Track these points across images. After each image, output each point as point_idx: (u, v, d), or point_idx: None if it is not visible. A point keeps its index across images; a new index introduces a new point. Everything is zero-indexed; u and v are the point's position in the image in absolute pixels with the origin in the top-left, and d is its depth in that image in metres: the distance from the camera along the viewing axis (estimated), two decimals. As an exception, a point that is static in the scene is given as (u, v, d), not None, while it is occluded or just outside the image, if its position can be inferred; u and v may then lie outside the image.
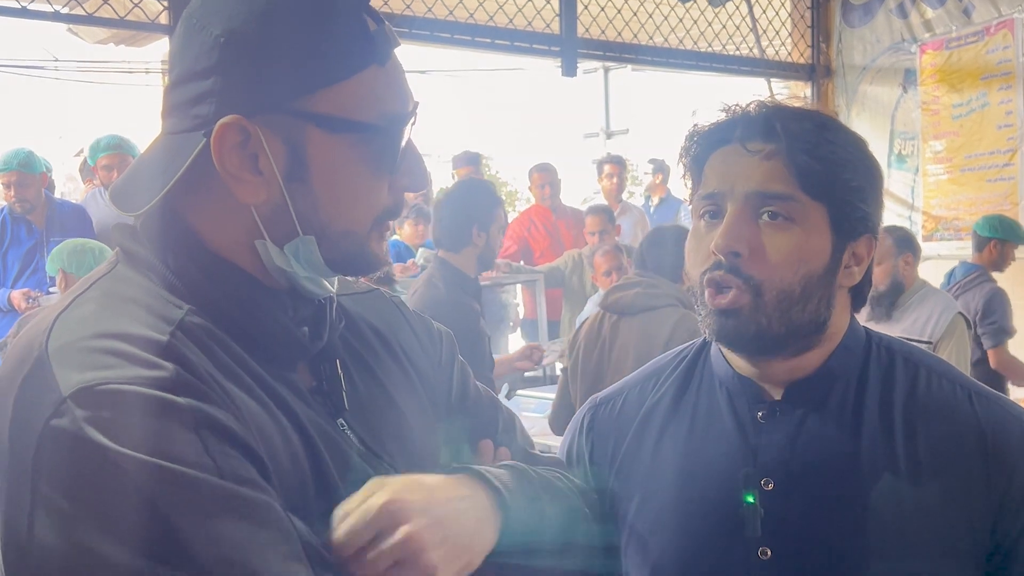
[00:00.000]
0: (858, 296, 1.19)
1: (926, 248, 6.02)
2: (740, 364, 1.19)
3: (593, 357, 3.32)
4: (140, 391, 0.79)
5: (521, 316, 6.45)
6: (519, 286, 6.05)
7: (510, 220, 6.61)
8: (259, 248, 0.93)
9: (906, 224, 6.09)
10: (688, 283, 1.18)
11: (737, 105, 1.15)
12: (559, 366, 4.06)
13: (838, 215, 1.12)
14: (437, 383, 1.14)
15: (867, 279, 1.18)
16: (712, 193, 1.14)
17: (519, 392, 4.59)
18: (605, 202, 6.56)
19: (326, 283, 0.98)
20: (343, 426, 0.98)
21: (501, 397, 3.83)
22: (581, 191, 9.35)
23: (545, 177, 6.30)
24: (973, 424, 1.11)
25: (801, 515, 1.11)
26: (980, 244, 4.85)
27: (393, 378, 1.07)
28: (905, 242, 4.06)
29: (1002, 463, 1.09)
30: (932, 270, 5.93)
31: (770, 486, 1.13)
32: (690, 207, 1.20)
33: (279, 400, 0.91)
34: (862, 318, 1.19)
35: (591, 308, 3.62)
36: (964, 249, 5.83)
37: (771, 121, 1.12)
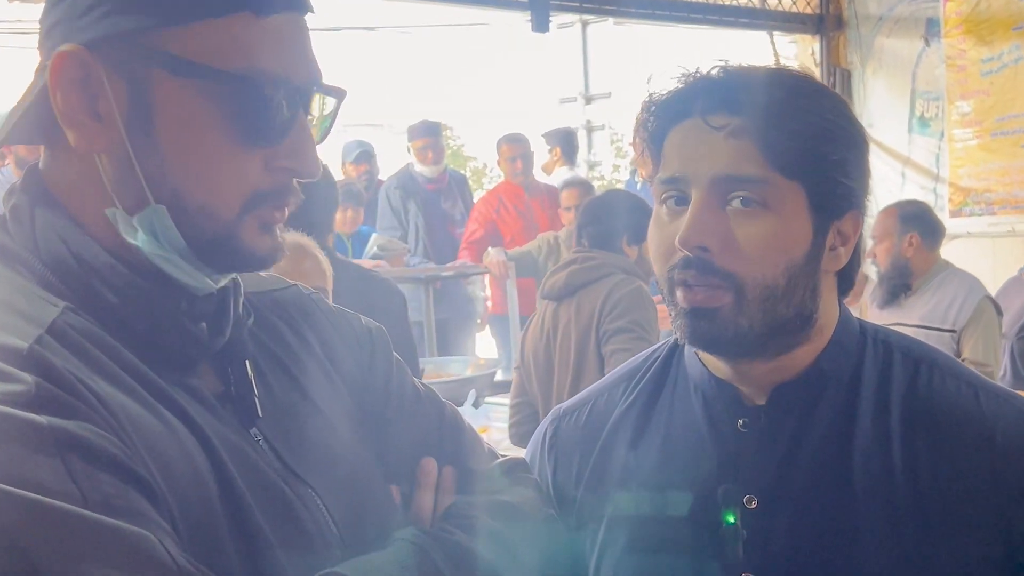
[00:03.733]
0: (845, 279, 1.22)
1: (953, 225, 6.06)
2: (717, 366, 1.21)
3: (541, 354, 3.41)
4: None
5: (489, 311, 6.41)
6: (487, 276, 6.01)
7: (476, 199, 6.61)
8: (110, 218, 0.93)
9: (930, 198, 6.11)
10: (656, 277, 1.20)
11: (696, 70, 1.15)
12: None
13: (817, 194, 1.13)
14: (367, 386, 1.15)
15: (854, 260, 1.20)
16: (674, 177, 1.14)
17: (488, 399, 4.55)
18: (581, 175, 6.57)
19: (196, 272, 0.95)
20: (257, 437, 0.98)
21: (467, 405, 3.82)
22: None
23: (515, 149, 6.28)
24: (979, 424, 1.13)
25: (787, 536, 1.13)
26: None
27: (315, 382, 1.08)
28: (912, 220, 4.10)
29: (1012, 466, 1.11)
30: (961, 250, 5.96)
31: (753, 504, 1.15)
32: (652, 191, 1.21)
33: (176, 409, 0.91)
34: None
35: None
36: (997, 226, 5.88)
37: (736, 90, 1.12)
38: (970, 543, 1.10)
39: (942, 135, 6.10)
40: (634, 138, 1.21)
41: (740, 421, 1.19)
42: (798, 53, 6.71)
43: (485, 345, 6.85)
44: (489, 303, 6.44)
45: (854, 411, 1.16)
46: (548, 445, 1.34)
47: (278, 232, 0.97)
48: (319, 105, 0.98)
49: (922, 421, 1.14)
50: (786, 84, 1.14)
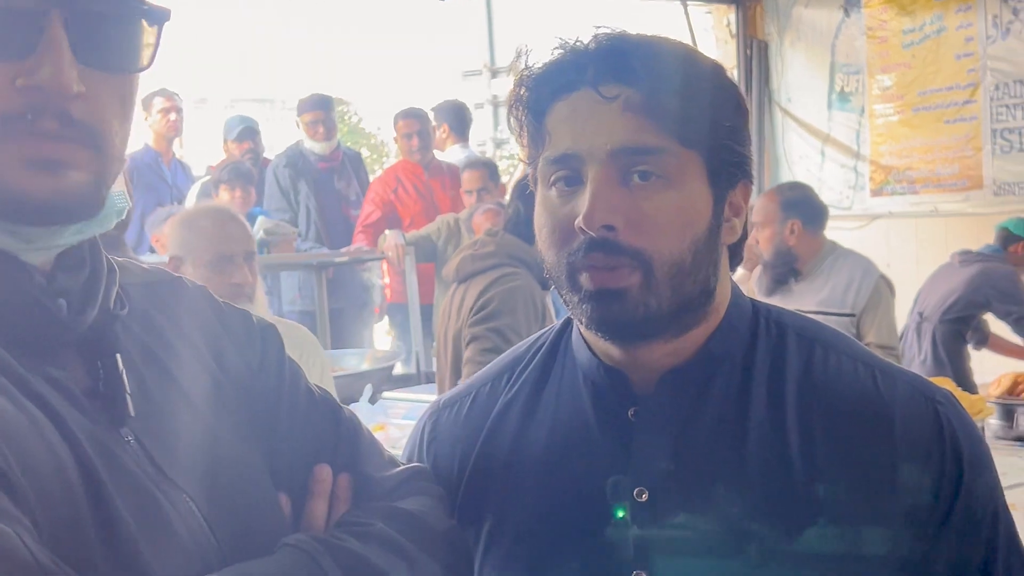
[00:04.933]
0: (735, 254, 1.24)
1: (875, 204, 6.18)
2: (607, 352, 1.21)
3: (440, 340, 3.54)
4: None
5: (387, 299, 6.37)
6: (384, 262, 5.97)
7: (372, 179, 6.55)
8: None
9: (851, 176, 6.22)
10: (547, 267, 1.19)
11: (576, 40, 1.15)
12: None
13: (715, 163, 1.15)
14: (256, 387, 1.14)
15: (744, 232, 1.23)
16: (565, 155, 1.14)
17: (385, 395, 4.51)
18: (487, 156, 6.54)
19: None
20: (127, 437, 0.96)
21: (363, 401, 3.78)
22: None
23: (412, 125, 6.24)
24: (878, 406, 1.16)
25: (680, 529, 1.14)
26: (1007, 241, 5.12)
27: (196, 380, 1.06)
28: (794, 206, 4.20)
29: (913, 448, 1.14)
30: (883, 230, 6.08)
31: (644, 497, 1.16)
32: (532, 173, 1.20)
33: (40, 402, 0.89)
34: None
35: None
36: (919, 205, 6.01)
37: (628, 57, 1.12)
38: (870, 530, 1.12)
39: (862, 110, 6.21)
40: (509, 117, 1.20)
41: (630, 410, 1.19)
42: (713, 24, 6.77)
43: (382, 336, 6.81)
44: (387, 291, 6.39)
45: (747, 395, 1.18)
46: (427, 440, 1.33)
47: (73, 174, 0.90)
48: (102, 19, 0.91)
49: (818, 404, 1.16)
50: (674, 51, 1.16)
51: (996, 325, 5.11)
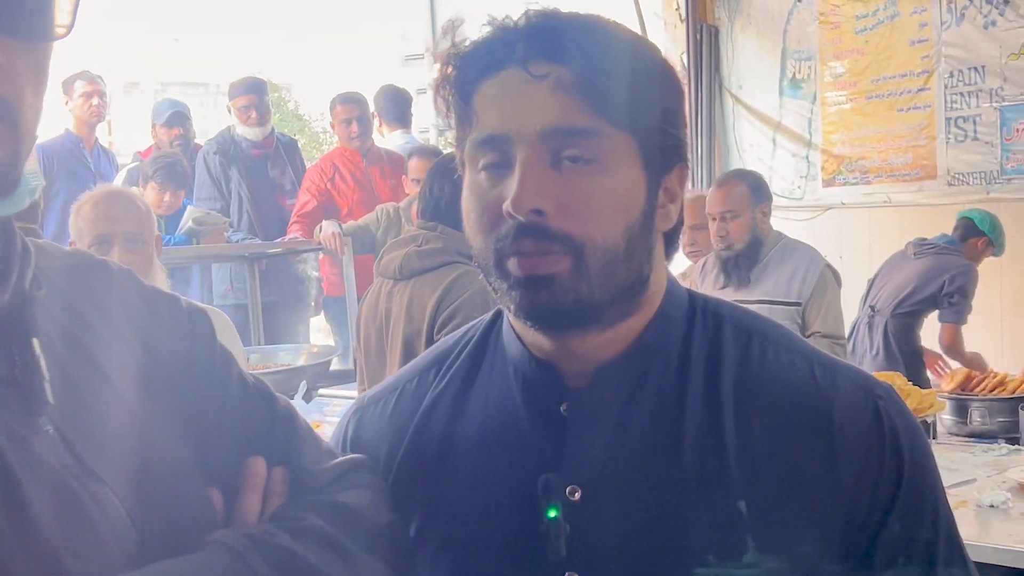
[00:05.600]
0: (671, 241, 1.24)
1: (827, 195, 6.23)
2: (538, 344, 1.20)
3: (374, 338, 3.41)
4: None
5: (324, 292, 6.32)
6: (320, 253, 5.93)
7: (309, 166, 6.50)
8: None
9: (802, 166, 6.25)
10: (474, 253, 1.19)
11: (506, 17, 1.15)
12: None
13: (649, 146, 1.15)
14: (185, 375, 1.12)
15: (679, 219, 1.24)
16: (492, 136, 1.13)
17: (322, 392, 4.49)
18: (431, 143, 6.51)
19: None
20: (46, 426, 0.94)
21: (298, 398, 3.72)
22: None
23: (350, 110, 6.20)
24: (816, 400, 1.16)
25: (614, 528, 1.14)
26: (968, 233, 5.17)
27: (121, 368, 1.05)
28: (761, 189, 4.26)
29: (851, 443, 1.14)
30: (836, 221, 6.11)
31: (576, 495, 1.16)
32: (459, 155, 1.20)
33: None
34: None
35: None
36: (872, 196, 6.04)
37: (558, 34, 1.12)
38: (808, 525, 1.13)
39: (815, 98, 6.25)
40: (436, 97, 1.18)
41: (562, 405, 1.19)
42: (663, 7, 6.78)
43: (319, 331, 6.77)
44: (323, 283, 6.34)
45: (683, 390, 1.18)
46: (351, 439, 1.33)
47: None
48: None
49: (755, 399, 1.16)
50: (607, 29, 1.16)
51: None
